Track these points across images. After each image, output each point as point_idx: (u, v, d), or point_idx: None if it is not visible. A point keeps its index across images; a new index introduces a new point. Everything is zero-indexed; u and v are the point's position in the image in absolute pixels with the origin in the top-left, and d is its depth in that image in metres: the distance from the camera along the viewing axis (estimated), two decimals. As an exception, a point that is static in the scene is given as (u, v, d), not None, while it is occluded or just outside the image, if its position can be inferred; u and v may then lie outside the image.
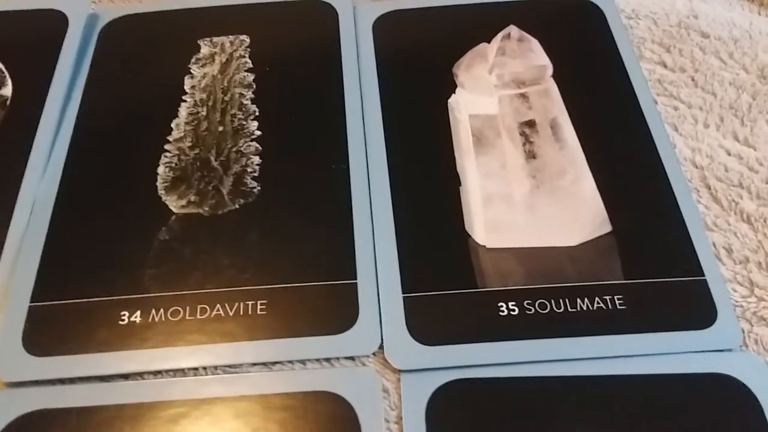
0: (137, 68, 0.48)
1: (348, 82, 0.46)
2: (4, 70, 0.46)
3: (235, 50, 0.47)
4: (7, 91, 0.45)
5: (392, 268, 0.37)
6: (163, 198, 0.40)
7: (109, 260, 0.38)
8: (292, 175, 0.41)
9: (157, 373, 0.34)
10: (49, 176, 0.41)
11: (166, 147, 0.42)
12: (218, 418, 0.33)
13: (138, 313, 0.36)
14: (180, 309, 0.36)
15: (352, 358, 0.35)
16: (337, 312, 0.36)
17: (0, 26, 0.49)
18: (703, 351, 0.35)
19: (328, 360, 0.35)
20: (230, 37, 0.48)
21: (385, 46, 0.48)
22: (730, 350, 0.35)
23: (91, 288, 0.37)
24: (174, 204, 0.40)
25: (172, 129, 0.43)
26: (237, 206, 0.40)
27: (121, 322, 0.36)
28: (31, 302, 0.36)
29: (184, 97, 0.45)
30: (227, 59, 0.47)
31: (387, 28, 0.49)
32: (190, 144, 0.42)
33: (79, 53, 0.47)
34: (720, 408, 0.33)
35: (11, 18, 0.50)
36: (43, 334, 0.35)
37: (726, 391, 0.34)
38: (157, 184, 0.41)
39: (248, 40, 0.48)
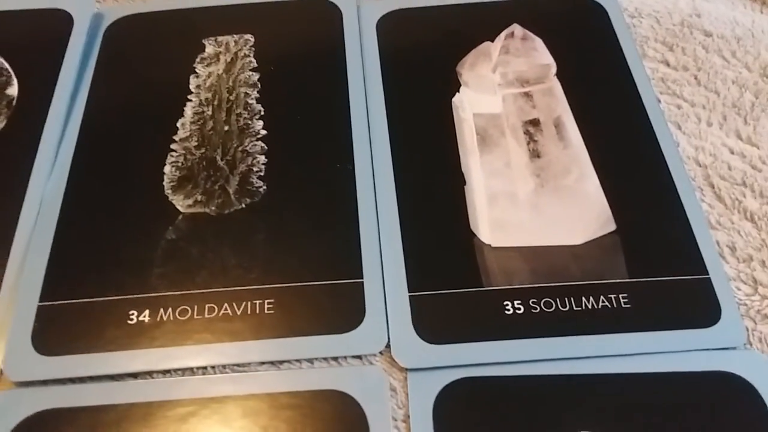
0: (142, 68, 0.48)
1: (352, 81, 0.46)
2: (9, 69, 0.46)
3: (239, 49, 0.47)
4: (13, 90, 0.45)
5: (398, 268, 0.38)
6: (170, 197, 0.41)
7: (117, 259, 0.38)
8: (297, 175, 0.41)
9: (165, 372, 0.35)
10: (56, 175, 0.42)
11: (172, 146, 0.43)
12: (227, 417, 0.33)
13: (146, 312, 0.36)
14: (188, 308, 0.36)
15: (359, 357, 0.35)
16: (344, 311, 0.36)
17: (5, 26, 0.49)
18: (707, 349, 0.35)
19: (335, 359, 0.35)
20: (235, 36, 0.48)
21: (389, 45, 0.48)
22: (734, 348, 0.35)
23: (99, 287, 0.37)
24: (181, 203, 0.40)
25: (177, 128, 0.44)
26: (243, 206, 0.40)
27: (129, 322, 0.36)
28: (40, 302, 0.36)
29: (189, 97, 0.45)
30: (232, 58, 0.47)
31: (391, 27, 0.49)
32: (196, 143, 0.43)
33: (84, 53, 0.48)
34: (724, 405, 0.33)
35: (16, 17, 0.50)
36: (52, 333, 0.35)
37: (730, 388, 0.34)
38: (164, 183, 0.41)
39: (253, 40, 0.48)
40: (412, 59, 0.48)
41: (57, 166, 0.42)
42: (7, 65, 0.46)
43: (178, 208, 0.40)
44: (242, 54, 0.47)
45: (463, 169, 0.42)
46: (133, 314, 0.36)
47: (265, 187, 0.41)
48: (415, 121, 0.44)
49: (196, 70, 0.46)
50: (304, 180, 0.41)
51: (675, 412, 0.33)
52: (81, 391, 0.34)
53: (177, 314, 0.36)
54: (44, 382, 0.34)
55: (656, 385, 0.34)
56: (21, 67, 0.46)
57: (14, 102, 0.44)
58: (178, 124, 0.44)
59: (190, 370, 0.35)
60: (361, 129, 0.43)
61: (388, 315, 0.36)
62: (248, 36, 0.48)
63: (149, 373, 0.35)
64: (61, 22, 0.49)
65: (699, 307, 0.36)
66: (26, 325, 0.36)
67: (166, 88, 0.46)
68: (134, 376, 0.35)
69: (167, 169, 0.42)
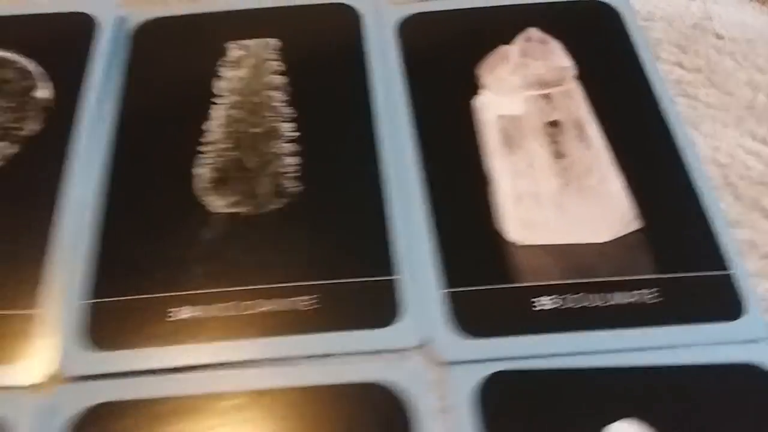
0: (169, 71, 0.49)
1: (375, 84, 0.47)
2: (43, 72, 0.46)
3: (264, 53, 0.49)
4: (47, 93, 0.46)
5: (431, 264, 0.39)
6: (204, 198, 0.41)
7: (159, 258, 0.39)
8: (328, 175, 0.43)
9: (212, 366, 0.36)
10: (92, 176, 0.42)
11: (204, 148, 0.44)
12: (272, 409, 0.34)
13: (190, 309, 0.37)
14: (229, 305, 0.37)
15: (398, 351, 0.36)
16: (382, 306, 0.37)
17: (29, 29, 0.50)
18: (731, 342, 0.36)
19: (375, 353, 0.36)
20: (259, 40, 0.49)
21: (410, 48, 0.49)
22: (756, 341, 0.37)
23: (143, 285, 0.38)
24: (215, 204, 0.41)
25: (208, 131, 0.45)
26: (276, 206, 0.41)
27: (173, 318, 0.37)
28: (89, 299, 0.37)
29: (217, 100, 0.46)
30: (257, 62, 0.48)
31: (411, 30, 0.50)
32: (227, 145, 0.44)
33: (109, 55, 0.48)
34: (748, 395, 0.35)
35: (39, 21, 0.51)
36: (104, 329, 0.36)
37: (754, 379, 0.35)
38: (198, 184, 0.42)
39: (277, 43, 0.49)
40: (432, 62, 0.49)
41: (92, 167, 0.43)
42: (40, 68, 0.47)
43: (214, 208, 0.41)
44: (267, 57, 0.48)
45: (487, 170, 0.43)
46: (177, 311, 0.37)
47: (296, 188, 0.42)
48: (437, 123, 0.45)
49: (222, 74, 0.47)
50: (336, 180, 0.42)
51: (702, 401, 0.35)
52: (132, 385, 0.35)
53: (219, 311, 0.37)
54: (98, 377, 0.35)
55: (684, 377, 0.35)
56: (49, 70, 0.47)
57: (48, 105, 0.45)
58: (208, 127, 0.45)
59: (235, 364, 0.36)
60: (386, 130, 0.45)
61: (425, 310, 0.37)
62: (272, 40, 0.49)
63: (197, 367, 0.36)
64: (85, 25, 0.50)
65: (723, 301, 0.37)
66: (76, 323, 0.37)
67: (194, 91, 0.47)
68: (183, 369, 0.35)
69: (200, 170, 0.43)
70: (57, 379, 0.35)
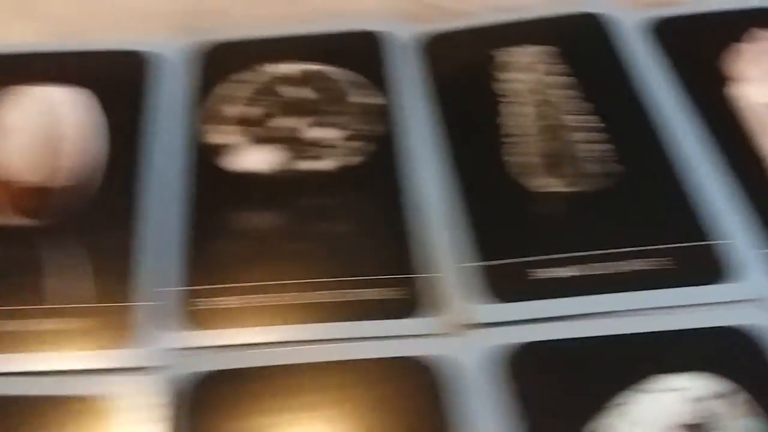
0: (458, 77, 0.57)
1: (641, 79, 0.55)
2: (368, 82, 0.55)
3: (545, 58, 0.56)
4: (381, 99, 0.54)
5: (749, 229, 0.46)
6: (533, 180, 0.50)
7: (517, 230, 0.48)
8: (634, 158, 0.50)
9: (580, 317, 0.44)
10: (432, 164, 0.51)
11: (515, 139, 0.52)
12: (628, 352, 0.42)
13: (553, 270, 0.45)
14: (584, 266, 0.45)
15: (727, 303, 0.44)
16: (719, 264, 0.45)
17: (337, 46, 0.59)
18: None
19: (721, 303, 0.44)
20: (541, 46, 0.58)
21: (663, 46, 0.58)
22: None
23: (510, 250, 0.46)
24: (549, 185, 0.49)
25: (510, 125, 0.53)
26: (599, 185, 0.49)
27: (539, 277, 0.45)
28: (480, 262, 0.46)
29: (510, 99, 0.54)
30: (539, 65, 0.56)
31: (661, 30, 0.59)
32: (544, 137, 0.52)
33: (409, 66, 0.57)
34: None
35: (337, 38, 0.60)
36: (495, 286, 0.45)
37: None
38: (520, 169, 0.50)
39: (554, 49, 0.57)
40: (685, 57, 0.57)
41: (430, 159, 0.51)
42: (365, 79, 0.55)
43: (547, 188, 0.49)
44: (550, 61, 0.56)
45: (759, 148, 0.50)
46: (543, 271, 0.45)
47: (613, 168, 0.50)
48: (704, 110, 0.53)
49: (508, 77, 0.55)
50: (641, 162, 0.51)
51: None
52: (534, 329, 0.43)
53: (577, 271, 0.45)
54: (504, 323, 0.44)
55: None
56: (372, 80, 0.56)
57: (383, 110, 0.54)
58: (511, 121, 0.53)
59: (595, 315, 0.44)
60: (665, 116, 0.53)
61: (755, 268, 0.45)
62: (551, 47, 0.57)
63: (578, 316, 0.44)
64: (373, 40, 0.59)
65: None
66: (477, 282, 0.45)
67: (483, 93, 0.55)
68: (562, 318, 0.44)
69: (519, 158, 0.51)
70: (471, 326, 0.43)
